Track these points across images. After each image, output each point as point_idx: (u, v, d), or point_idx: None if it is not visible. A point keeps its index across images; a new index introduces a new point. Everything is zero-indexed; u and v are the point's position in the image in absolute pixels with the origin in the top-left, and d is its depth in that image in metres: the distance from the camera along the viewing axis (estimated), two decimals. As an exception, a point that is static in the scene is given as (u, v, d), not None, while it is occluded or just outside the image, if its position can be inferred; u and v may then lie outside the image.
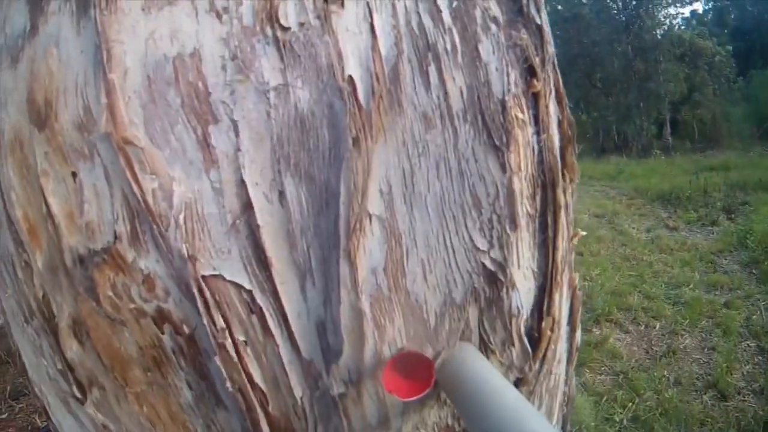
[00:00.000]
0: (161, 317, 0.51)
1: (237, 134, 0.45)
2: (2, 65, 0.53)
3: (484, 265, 0.54)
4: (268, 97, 0.45)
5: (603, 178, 6.89)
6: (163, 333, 0.52)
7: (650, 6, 11.85)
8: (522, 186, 0.57)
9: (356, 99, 0.46)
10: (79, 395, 0.59)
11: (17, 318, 0.62)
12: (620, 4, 12.25)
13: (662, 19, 12.40)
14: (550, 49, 0.61)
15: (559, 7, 12.43)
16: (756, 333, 2.55)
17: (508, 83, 0.53)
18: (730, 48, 12.84)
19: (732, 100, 12.51)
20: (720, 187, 5.19)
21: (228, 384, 0.51)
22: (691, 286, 3.16)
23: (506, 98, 0.52)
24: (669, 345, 2.54)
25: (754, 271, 3.28)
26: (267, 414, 0.55)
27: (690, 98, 11.88)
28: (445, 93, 0.49)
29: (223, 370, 0.51)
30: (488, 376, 0.52)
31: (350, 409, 0.55)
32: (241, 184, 0.45)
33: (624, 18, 12.03)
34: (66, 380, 0.59)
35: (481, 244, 0.53)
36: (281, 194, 0.46)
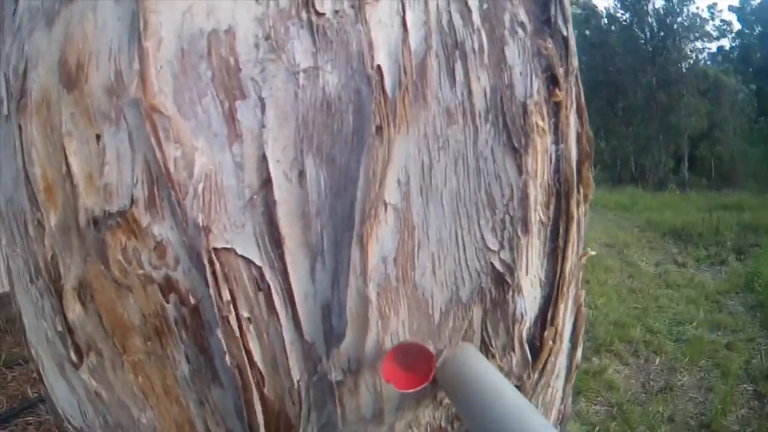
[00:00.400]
0: (168, 286, 0.52)
1: (263, 111, 0.46)
2: (36, 26, 0.55)
3: (493, 265, 0.55)
4: (297, 78, 0.46)
5: (616, 208, 6.88)
6: (168, 302, 0.53)
7: (677, 38, 11.92)
8: (536, 192, 0.58)
9: (383, 88, 0.48)
10: (75, 359, 0.60)
11: (23, 278, 0.63)
12: (648, 34, 12.32)
13: (688, 53, 12.48)
14: (575, 61, 0.63)
15: (587, 33, 12.55)
16: (754, 377, 2.54)
17: (531, 88, 0.55)
18: (754, 87, 12.87)
19: (751, 140, 12.53)
20: (732, 227, 5.19)
21: (227, 358, 0.52)
22: (695, 324, 3.15)
23: (528, 102, 0.54)
24: (667, 381, 2.52)
25: (758, 314, 3.27)
26: (262, 395, 0.55)
27: (710, 135, 11.92)
28: (470, 91, 0.51)
29: (224, 343, 0.52)
30: (488, 376, 0.53)
31: (346, 399, 0.56)
32: (263, 160, 0.47)
33: (650, 48, 12.12)
34: (64, 343, 0.60)
35: (492, 243, 0.54)
36: (301, 174, 0.48)
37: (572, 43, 0.62)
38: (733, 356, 2.75)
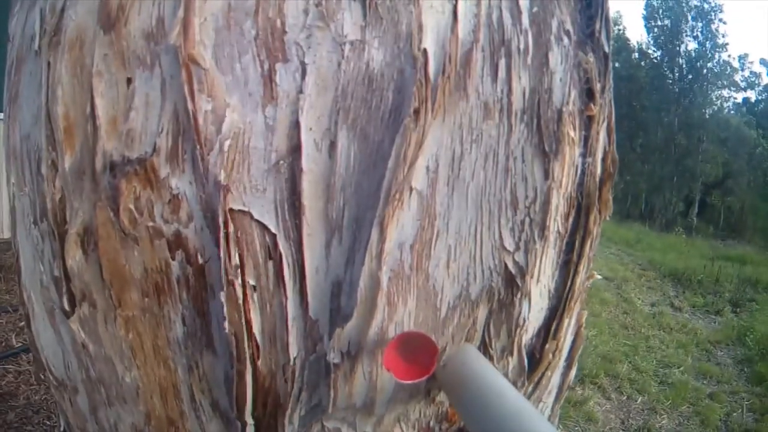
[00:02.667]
0: (177, 242, 0.52)
1: (303, 77, 0.46)
2: None
3: (506, 265, 0.55)
4: (342, 49, 0.47)
5: (621, 243, 6.95)
6: (173, 259, 0.53)
7: (705, 83, 12.19)
8: (559, 201, 0.59)
9: (426, 72, 0.48)
10: (67, 307, 0.59)
11: (26, 219, 0.62)
12: (676, 74, 12.62)
13: (714, 99, 12.79)
14: (611, 79, 0.64)
15: (617, 65, 12.79)
16: (732, 430, 2.56)
17: (568, 97, 0.56)
18: (775, 142, 13.09)
19: (763, 195, 12.71)
20: (732, 279, 5.26)
21: (226, 324, 0.52)
22: (682, 369, 3.18)
23: (563, 110, 0.55)
24: (646, 421, 2.54)
25: (746, 369, 3.31)
26: (255, 368, 0.55)
27: (723, 184, 12.20)
28: (509, 90, 0.52)
29: (225, 309, 0.51)
30: (489, 376, 0.53)
31: (339, 383, 0.55)
32: (295, 126, 0.47)
33: (677, 90, 12.42)
34: (58, 290, 0.59)
35: (509, 244, 0.55)
36: (332, 145, 0.48)
37: (611, 61, 0.63)
38: (714, 406, 2.76)
